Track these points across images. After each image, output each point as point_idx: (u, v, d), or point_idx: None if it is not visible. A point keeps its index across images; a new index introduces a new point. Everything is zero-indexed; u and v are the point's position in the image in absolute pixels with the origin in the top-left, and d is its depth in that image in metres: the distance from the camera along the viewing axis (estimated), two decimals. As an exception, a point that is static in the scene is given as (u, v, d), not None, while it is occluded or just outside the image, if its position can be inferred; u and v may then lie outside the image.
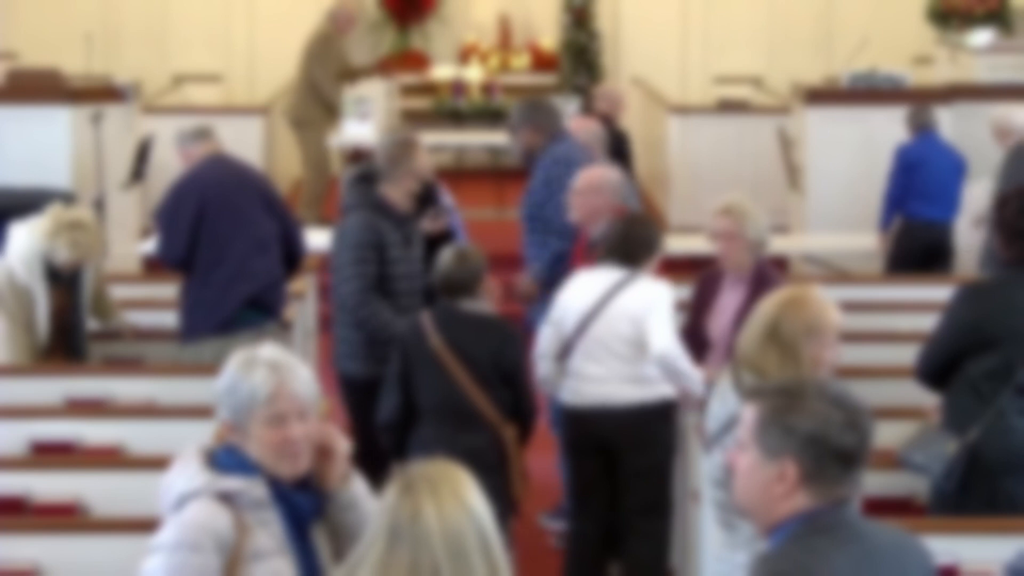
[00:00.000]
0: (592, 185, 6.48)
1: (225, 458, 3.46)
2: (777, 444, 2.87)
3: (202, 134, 6.94)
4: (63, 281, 6.68)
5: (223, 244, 6.75)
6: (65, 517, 5.09)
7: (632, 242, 5.89)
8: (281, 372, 3.44)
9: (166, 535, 3.37)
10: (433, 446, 5.58)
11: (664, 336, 5.69)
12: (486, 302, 5.80)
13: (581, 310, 5.82)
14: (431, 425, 5.62)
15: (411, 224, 6.40)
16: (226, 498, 3.38)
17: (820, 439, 2.84)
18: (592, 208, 6.46)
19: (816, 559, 2.81)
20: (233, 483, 3.39)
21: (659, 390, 5.80)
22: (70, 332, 6.76)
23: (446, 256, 5.73)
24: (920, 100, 10.32)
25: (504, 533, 5.68)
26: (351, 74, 12.32)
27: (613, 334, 5.77)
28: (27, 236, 6.59)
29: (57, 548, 4.71)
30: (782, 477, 2.87)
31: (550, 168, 7.18)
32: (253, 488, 3.40)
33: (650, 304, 5.77)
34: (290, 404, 3.43)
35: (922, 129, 9.56)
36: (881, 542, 2.90)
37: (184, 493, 3.40)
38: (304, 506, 3.48)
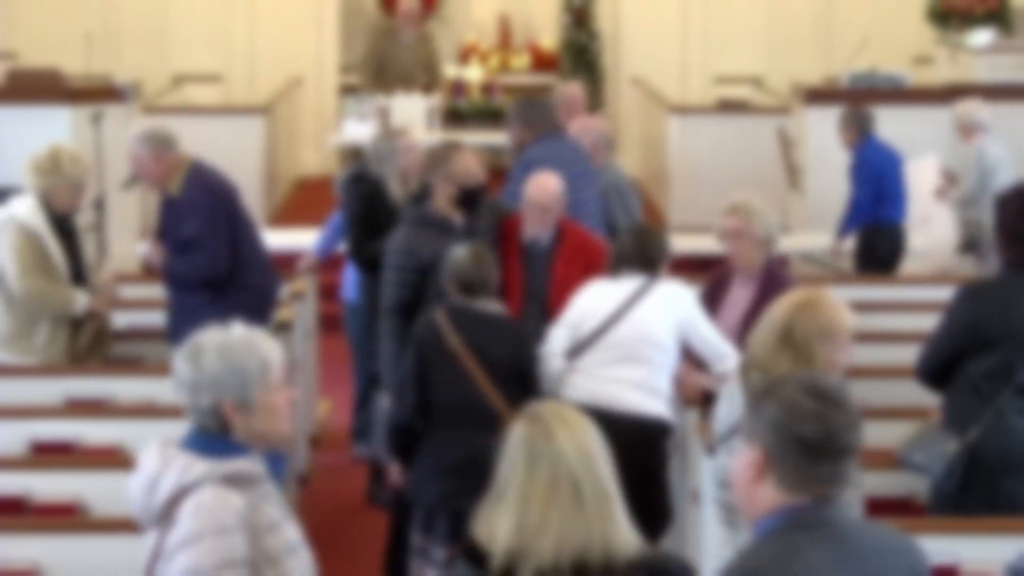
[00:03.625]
0: (556, 196, 6.45)
1: (208, 444, 3.46)
2: (751, 429, 2.92)
3: (174, 140, 6.81)
4: (65, 234, 6.73)
5: (250, 247, 6.80)
6: (65, 517, 5.10)
7: (650, 250, 5.89)
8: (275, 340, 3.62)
9: (191, 526, 3.34)
10: (448, 446, 5.57)
11: (724, 345, 5.72)
12: (497, 302, 5.80)
13: (604, 313, 5.79)
14: (445, 425, 5.59)
15: (457, 231, 6.28)
16: (232, 480, 3.41)
17: (782, 425, 2.87)
18: (553, 219, 6.46)
19: (791, 556, 2.82)
20: (240, 464, 3.44)
21: (661, 408, 5.79)
22: (78, 281, 6.77)
23: (462, 255, 5.70)
24: (920, 100, 10.33)
25: None
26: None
27: (640, 336, 5.74)
28: (30, 183, 6.67)
29: (57, 548, 4.71)
30: (753, 461, 2.91)
31: (516, 171, 7.18)
32: (255, 466, 3.47)
33: (684, 308, 5.77)
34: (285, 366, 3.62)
35: (868, 132, 9.47)
36: (866, 543, 2.90)
37: (183, 485, 3.39)
38: (279, 470, 3.61)
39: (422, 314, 6.05)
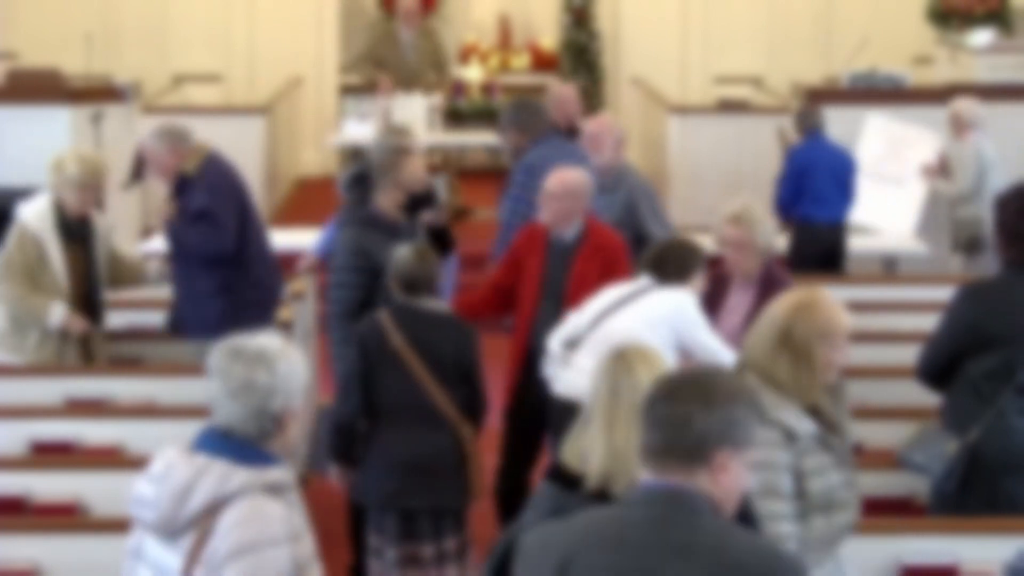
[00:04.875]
0: (568, 188, 6.36)
1: (246, 452, 3.35)
2: None
3: (189, 133, 6.80)
4: (77, 238, 6.70)
5: (259, 245, 6.79)
6: (65, 517, 5.10)
7: (664, 255, 5.87)
8: None
9: (242, 537, 3.25)
10: (393, 445, 5.57)
11: (724, 352, 5.68)
12: (441, 300, 5.79)
13: (599, 307, 5.81)
14: (391, 424, 5.59)
15: (403, 234, 6.24)
16: (271, 489, 3.34)
17: None
18: (565, 211, 6.37)
19: (567, 527, 2.94)
20: (277, 473, 3.36)
21: None
22: (89, 295, 6.76)
23: (404, 254, 5.68)
24: (920, 100, 10.32)
25: (464, 530, 5.65)
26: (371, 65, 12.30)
27: (619, 333, 5.73)
28: (50, 180, 6.69)
29: (57, 548, 4.71)
30: None
31: (518, 175, 7.15)
32: (287, 474, 3.40)
33: (680, 314, 5.73)
34: None
35: (810, 132, 9.56)
36: (643, 542, 2.82)
37: (223, 494, 3.28)
38: None
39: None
